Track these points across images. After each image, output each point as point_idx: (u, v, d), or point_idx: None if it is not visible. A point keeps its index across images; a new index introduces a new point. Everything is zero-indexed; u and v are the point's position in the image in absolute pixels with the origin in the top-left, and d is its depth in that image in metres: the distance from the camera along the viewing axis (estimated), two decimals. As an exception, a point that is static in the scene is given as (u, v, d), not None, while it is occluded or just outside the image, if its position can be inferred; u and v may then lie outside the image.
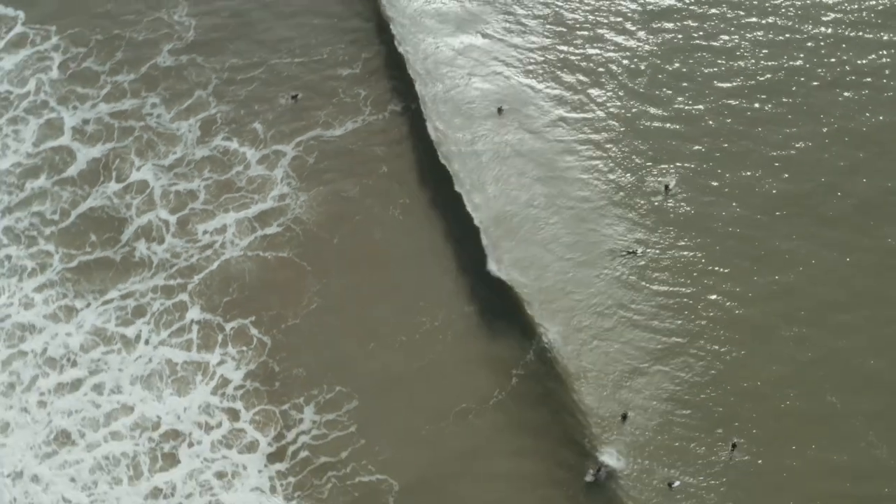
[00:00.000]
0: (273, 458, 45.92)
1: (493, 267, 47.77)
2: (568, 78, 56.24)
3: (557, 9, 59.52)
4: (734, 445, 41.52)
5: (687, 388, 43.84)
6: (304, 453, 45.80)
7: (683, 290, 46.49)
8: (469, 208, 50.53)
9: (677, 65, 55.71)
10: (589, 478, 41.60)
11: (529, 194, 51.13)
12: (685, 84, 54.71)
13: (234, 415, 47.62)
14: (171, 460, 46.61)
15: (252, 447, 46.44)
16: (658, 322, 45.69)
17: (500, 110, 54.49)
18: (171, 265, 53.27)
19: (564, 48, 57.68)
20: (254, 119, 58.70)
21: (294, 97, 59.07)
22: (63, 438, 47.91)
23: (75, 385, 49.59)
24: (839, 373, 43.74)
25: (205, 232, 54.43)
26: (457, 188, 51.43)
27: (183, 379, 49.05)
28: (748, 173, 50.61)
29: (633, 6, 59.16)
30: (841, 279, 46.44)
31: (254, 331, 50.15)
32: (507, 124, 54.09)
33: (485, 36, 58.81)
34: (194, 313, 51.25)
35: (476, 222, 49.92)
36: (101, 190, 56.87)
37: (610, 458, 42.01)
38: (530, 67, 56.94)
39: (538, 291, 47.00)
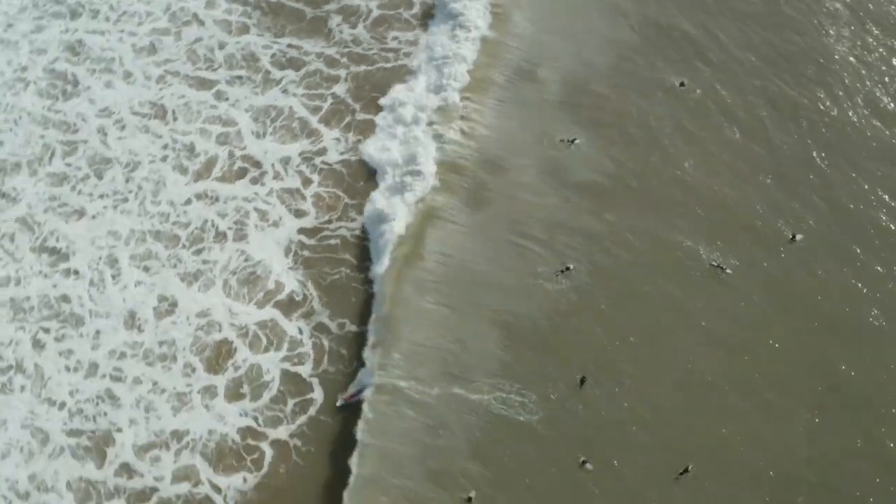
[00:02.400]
0: (307, 231, 44.71)
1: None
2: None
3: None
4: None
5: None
6: (334, 241, 44.34)
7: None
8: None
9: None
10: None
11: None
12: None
13: (306, 181, 46.92)
14: (232, 178, 46.73)
15: (298, 214, 45.55)
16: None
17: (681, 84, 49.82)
18: (347, 47, 53.13)
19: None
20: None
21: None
22: (160, 112, 49.22)
23: (201, 83, 50.89)
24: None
25: (394, 38, 53.75)
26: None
27: (290, 130, 48.94)
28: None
29: None
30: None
31: (378, 131, 49.09)
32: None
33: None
34: (340, 90, 50.90)
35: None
36: (334, -41, 57.54)
37: None
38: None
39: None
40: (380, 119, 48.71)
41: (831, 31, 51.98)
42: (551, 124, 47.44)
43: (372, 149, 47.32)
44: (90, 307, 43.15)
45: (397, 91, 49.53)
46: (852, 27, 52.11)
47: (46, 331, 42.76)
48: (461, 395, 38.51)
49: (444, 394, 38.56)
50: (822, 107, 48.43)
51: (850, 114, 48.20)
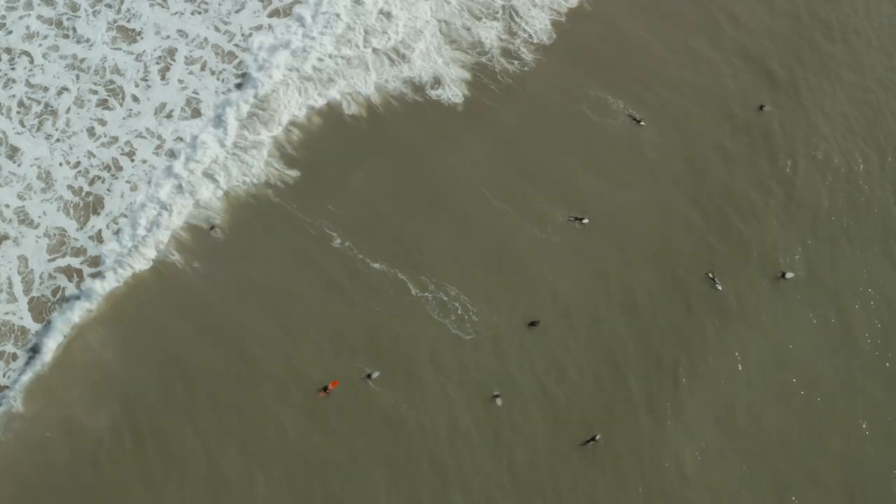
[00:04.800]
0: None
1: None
2: None
3: None
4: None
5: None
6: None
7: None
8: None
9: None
10: None
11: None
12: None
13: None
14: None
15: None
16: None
17: None
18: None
19: None
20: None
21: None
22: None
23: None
24: None
25: None
26: None
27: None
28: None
29: None
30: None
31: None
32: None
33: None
34: None
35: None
36: None
37: None
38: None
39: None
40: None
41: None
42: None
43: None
44: (133, 89, 46.14)
45: None
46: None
47: (94, 92, 46.16)
48: (403, 281, 38.91)
49: (386, 270, 39.13)
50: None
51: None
